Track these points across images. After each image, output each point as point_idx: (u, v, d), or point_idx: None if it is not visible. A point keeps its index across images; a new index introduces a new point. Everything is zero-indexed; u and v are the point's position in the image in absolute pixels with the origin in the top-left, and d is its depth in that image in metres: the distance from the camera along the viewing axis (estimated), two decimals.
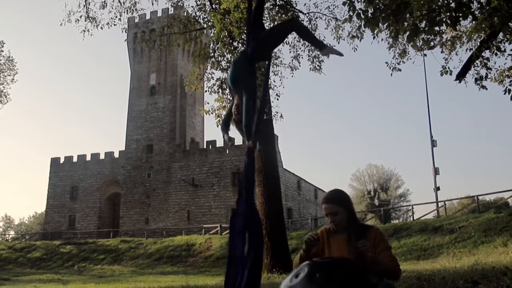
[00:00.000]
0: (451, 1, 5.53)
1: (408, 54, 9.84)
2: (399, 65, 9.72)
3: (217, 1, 12.37)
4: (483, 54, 8.08)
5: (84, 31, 13.11)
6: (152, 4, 17.01)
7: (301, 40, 14.02)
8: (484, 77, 8.38)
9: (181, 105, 45.11)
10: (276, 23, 13.53)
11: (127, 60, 47.97)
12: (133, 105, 46.04)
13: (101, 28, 13.29)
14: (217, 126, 12.96)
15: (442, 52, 9.66)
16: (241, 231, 2.97)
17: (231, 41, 11.83)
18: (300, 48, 14.16)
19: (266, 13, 13.30)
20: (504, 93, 7.84)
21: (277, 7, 13.50)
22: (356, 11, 5.23)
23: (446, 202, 26.82)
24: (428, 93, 32.07)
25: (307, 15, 14.07)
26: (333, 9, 13.97)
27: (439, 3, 5.57)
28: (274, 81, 13.21)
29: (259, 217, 3.16)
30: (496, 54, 8.14)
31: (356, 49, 13.00)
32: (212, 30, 13.46)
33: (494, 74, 9.17)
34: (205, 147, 42.83)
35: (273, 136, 14.98)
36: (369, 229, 2.60)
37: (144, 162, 43.64)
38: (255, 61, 3.42)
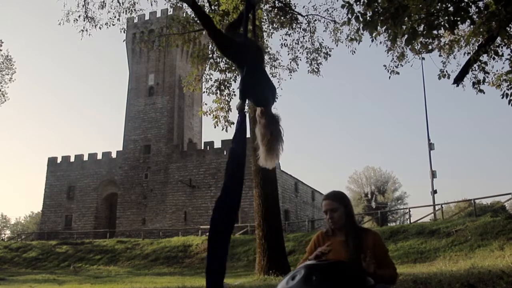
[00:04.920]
0: (449, 5, 5.55)
1: (407, 57, 9.89)
2: (397, 68, 9.77)
3: (216, 3, 12.38)
4: (481, 58, 8.12)
5: (83, 31, 13.07)
6: (151, 5, 17.05)
7: (299, 42, 14.03)
8: (481, 81, 8.42)
9: (179, 105, 45.08)
10: (274, 25, 13.56)
11: (125, 61, 48.01)
12: (131, 105, 45.97)
13: (100, 28, 13.27)
14: (215, 127, 12.93)
15: (440, 55, 9.72)
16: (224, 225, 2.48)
17: None
18: (298, 51, 14.17)
19: (265, 15, 13.32)
20: (502, 97, 7.88)
21: (275, 9, 13.51)
22: (355, 14, 5.24)
23: (443, 205, 26.84)
24: (426, 96, 32.49)
25: (306, 17, 14.09)
26: (332, 11, 14.03)
27: (437, 7, 5.59)
28: None
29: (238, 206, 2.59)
30: (493, 58, 8.19)
31: (354, 51, 13.09)
32: None
33: (492, 78, 9.22)
34: (202, 148, 42.83)
35: None
36: (366, 232, 2.60)
37: (141, 162, 43.56)
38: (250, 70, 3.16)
